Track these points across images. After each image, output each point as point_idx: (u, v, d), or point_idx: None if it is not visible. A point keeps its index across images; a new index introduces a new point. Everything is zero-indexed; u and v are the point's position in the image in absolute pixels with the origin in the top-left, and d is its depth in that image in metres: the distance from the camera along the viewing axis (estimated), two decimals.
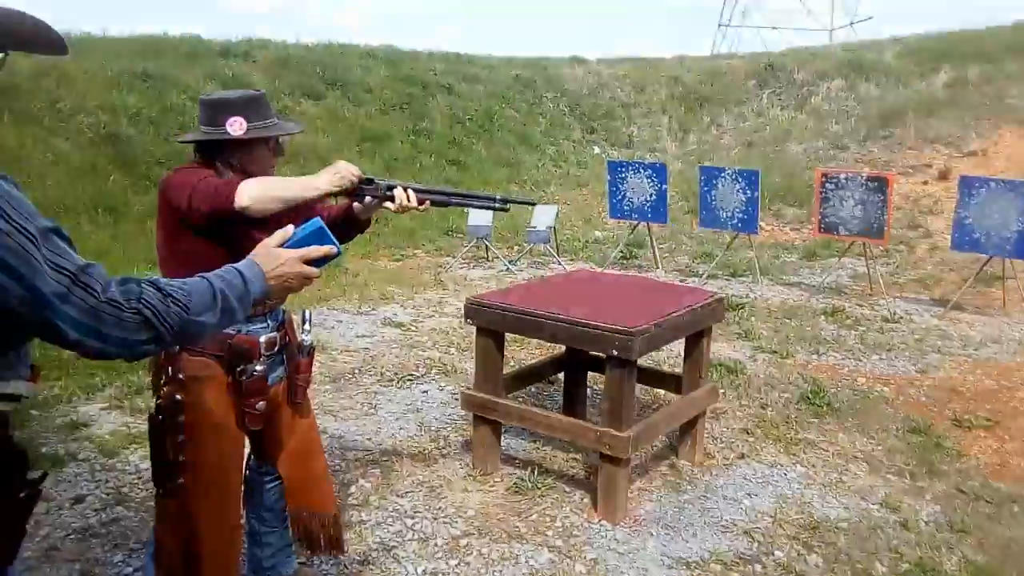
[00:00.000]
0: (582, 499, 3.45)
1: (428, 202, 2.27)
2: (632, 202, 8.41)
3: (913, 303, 7.44)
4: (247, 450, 2.33)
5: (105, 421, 3.99)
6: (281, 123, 2.22)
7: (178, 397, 2.04)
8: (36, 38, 1.37)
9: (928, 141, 12.97)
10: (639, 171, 8.32)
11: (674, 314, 3.33)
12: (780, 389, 4.96)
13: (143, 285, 1.27)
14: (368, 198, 2.24)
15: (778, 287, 8.03)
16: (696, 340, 3.67)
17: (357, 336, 5.80)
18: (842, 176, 7.14)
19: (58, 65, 9.64)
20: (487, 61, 17.18)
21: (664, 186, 8.22)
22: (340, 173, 2.08)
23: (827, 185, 7.16)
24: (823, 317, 6.83)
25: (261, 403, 2.15)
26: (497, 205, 2.37)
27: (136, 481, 3.36)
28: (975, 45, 15.25)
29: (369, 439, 4.02)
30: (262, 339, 2.17)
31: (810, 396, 4.76)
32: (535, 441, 3.99)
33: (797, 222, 11.33)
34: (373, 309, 6.58)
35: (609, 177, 8.59)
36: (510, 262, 8.89)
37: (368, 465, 3.69)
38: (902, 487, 3.75)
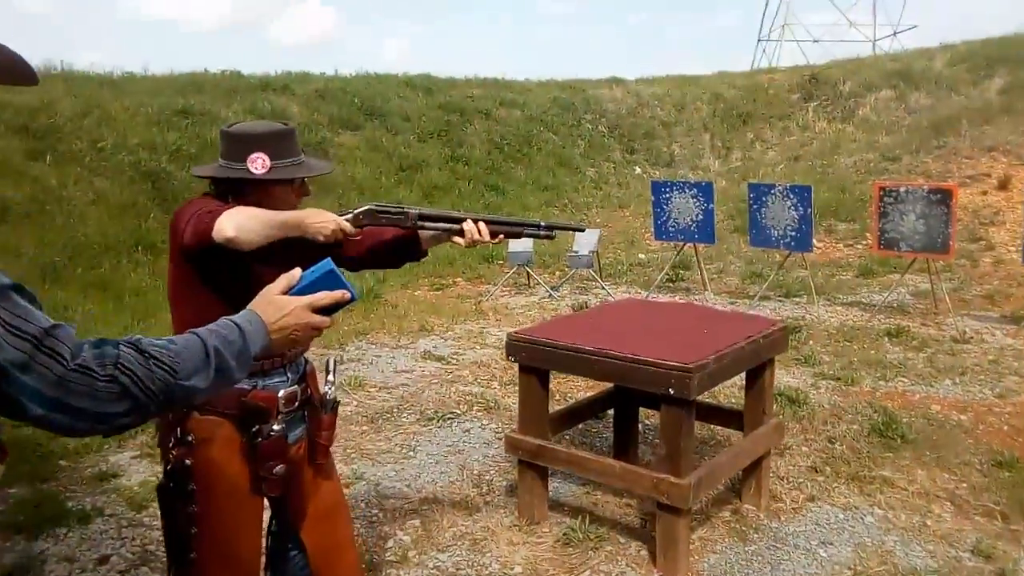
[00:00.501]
0: (639, 551, 3.17)
1: (501, 235, 2.11)
2: (677, 223, 8.11)
3: (983, 321, 6.99)
4: (267, 516, 2.12)
5: (135, 471, 3.83)
6: (309, 161, 2.03)
7: (187, 462, 1.83)
8: (12, 69, 1.20)
9: (985, 150, 12.42)
10: (684, 191, 8.03)
11: (735, 346, 3.05)
12: (848, 420, 4.61)
13: (121, 347, 1.09)
14: (431, 233, 2.11)
15: (836, 307, 7.64)
16: (758, 373, 3.37)
17: (395, 371, 5.60)
18: (902, 189, 6.76)
19: (100, 104, 9.77)
20: (524, 85, 17.10)
21: (711, 205, 7.92)
22: (321, 222, 1.86)
23: (886, 199, 6.78)
24: (887, 339, 6.43)
25: (280, 467, 1.91)
26: (551, 232, 2.21)
27: (163, 539, 3.17)
28: None
29: (408, 485, 3.79)
30: (281, 394, 1.94)
31: (881, 427, 4.40)
32: (585, 484, 3.72)
33: (850, 238, 10.89)
34: (412, 342, 6.39)
35: (653, 198, 8.32)
36: (552, 288, 8.65)
37: (407, 515, 3.46)
38: (994, 531, 3.39)
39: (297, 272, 1.39)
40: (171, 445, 1.85)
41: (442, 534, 3.29)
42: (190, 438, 1.84)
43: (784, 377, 5.42)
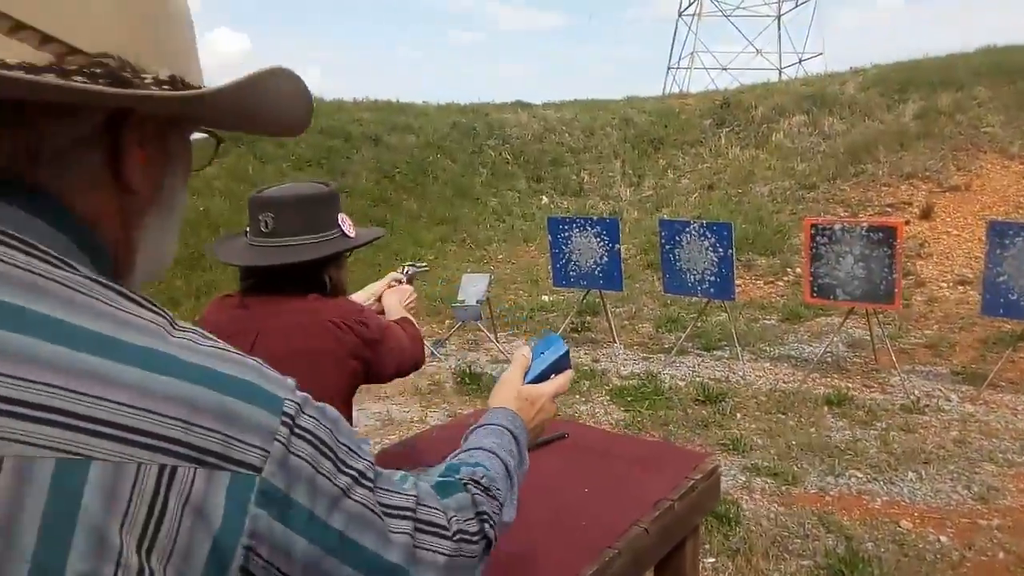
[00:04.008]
0: None
1: None
2: (579, 266, 6.89)
3: (932, 379, 5.97)
4: None
5: None
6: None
7: None
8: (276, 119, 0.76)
9: (903, 176, 11.80)
10: (586, 228, 6.82)
11: (630, 532, 1.75)
12: (796, 551, 3.39)
13: (468, 485, 0.83)
14: None
15: (763, 363, 6.53)
16: (675, 553, 2.08)
17: None
18: (837, 227, 5.69)
19: None
20: (422, 109, 15.82)
21: (617, 246, 6.73)
22: None
23: (818, 239, 5.71)
24: (827, 408, 5.32)
25: None
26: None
27: None
28: (942, 73, 14.29)
29: None
30: None
31: (843, 568, 3.18)
32: None
33: (771, 274, 9.94)
34: None
35: (551, 237, 7.09)
36: (437, 344, 7.28)
37: None
38: None
39: (527, 351, 1.14)
40: None
41: None
42: None
43: None
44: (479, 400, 5.69)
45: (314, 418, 0.62)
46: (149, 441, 0.52)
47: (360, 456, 0.66)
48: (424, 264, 2.45)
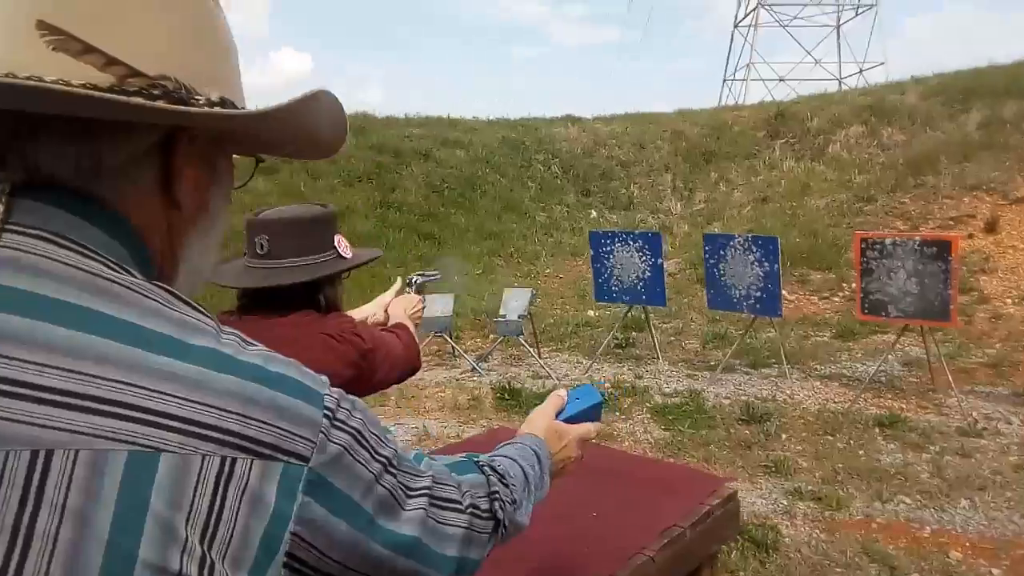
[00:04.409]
0: None
1: None
2: (621, 281, 6.79)
3: (991, 400, 5.70)
4: None
5: None
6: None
7: None
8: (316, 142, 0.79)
9: (967, 188, 11.36)
10: (627, 243, 6.73)
11: (637, 558, 1.68)
12: None
13: (484, 468, 0.90)
14: None
15: (812, 382, 6.32)
16: None
17: None
18: (888, 241, 5.49)
19: None
20: (471, 124, 15.92)
21: (660, 260, 6.61)
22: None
23: (868, 253, 5.51)
24: (878, 430, 5.11)
25: None
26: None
27: None
28: (1007, 81, 13.75)
29: None
30: None
31: None
32: None
33: (826, 289, 9.66)
34: None
35: (592, 252, 7.01)
36: (478, 359, 7.26)
37: None
38: None
39: (563, 394, 1.19)
40: None
41: None
42: None
43: (749, 496, 4.08)
44: (517, 417, 5.64)
45: (348, 410, 0.67)
46: (213, 434, 0.56)
47: (387, 443, 0.72)
48: (435, 272, 2.41)
